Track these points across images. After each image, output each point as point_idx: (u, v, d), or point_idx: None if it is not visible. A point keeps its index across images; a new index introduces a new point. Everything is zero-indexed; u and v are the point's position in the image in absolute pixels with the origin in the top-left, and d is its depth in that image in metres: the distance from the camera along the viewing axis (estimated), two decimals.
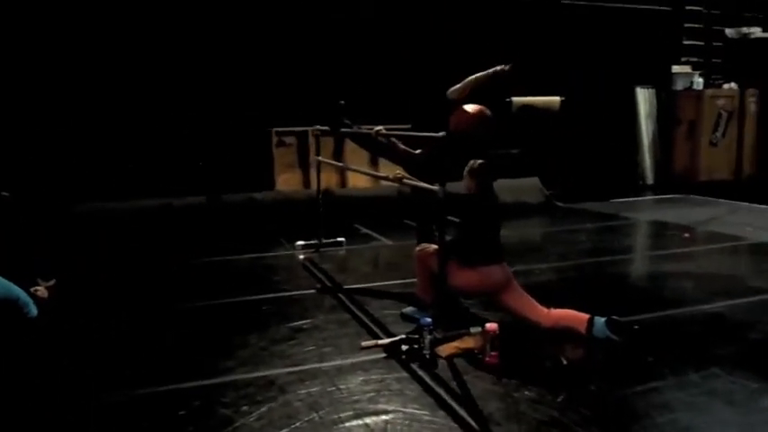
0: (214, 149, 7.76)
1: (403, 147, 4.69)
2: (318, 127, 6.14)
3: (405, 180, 4.10)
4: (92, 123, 7.23)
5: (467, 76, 4.42)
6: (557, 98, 9.45)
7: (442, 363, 3.36)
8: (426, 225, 4.93)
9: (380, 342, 3.59)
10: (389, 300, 4.49)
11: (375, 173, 5.08)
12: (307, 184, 8.42)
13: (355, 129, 5.30)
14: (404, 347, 3.49)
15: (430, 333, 3.42)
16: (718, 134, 9.90)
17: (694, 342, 3.66)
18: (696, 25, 10.36)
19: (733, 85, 10.10)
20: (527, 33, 9.17)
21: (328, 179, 8.51)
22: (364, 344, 3.56)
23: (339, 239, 6.24)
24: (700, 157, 9.97)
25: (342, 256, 5.94)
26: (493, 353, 3.35)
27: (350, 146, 8.61)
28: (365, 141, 5.19)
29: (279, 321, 4.04)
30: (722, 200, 8.70)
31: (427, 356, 3.39)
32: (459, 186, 3.88)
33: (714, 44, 10.54)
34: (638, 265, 5.36)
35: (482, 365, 3.33)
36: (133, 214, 6.74)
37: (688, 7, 10.30)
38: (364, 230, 6.98)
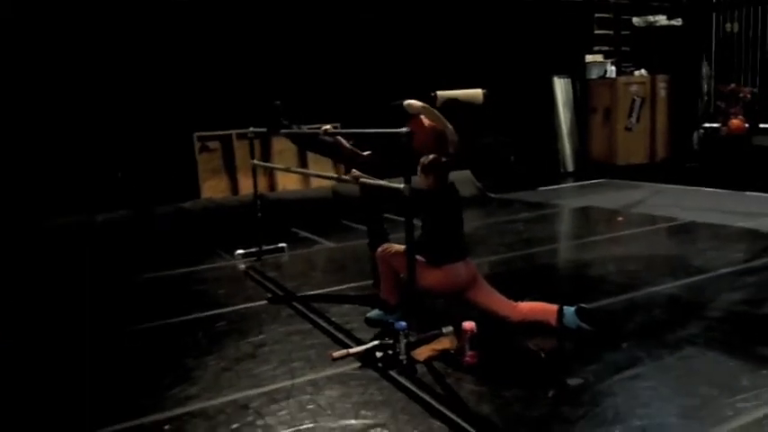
0: (135, 158, 7.28)
1: (349, 146, 4.53)
2: (253, 129, 5.85)
3: (362, 180, 3.93)
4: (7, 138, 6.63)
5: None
6: (479, 90, 9.51)
7: (420, 367, 3.23)
8: (377, 224, 4.82)
9: (352, 351, 3.41)
10: (348, 305, 4.31)
11: (321, 173, 4.86)
12: (234, 189, 8.07)
13: (294, 129, 5.08)
14: (378, 354, 3.34)
15: (405, 337, 3.28)
16: (633, 119, 10.29)
17: (660, 324, 3.70)
18: (606, 15, 10.73)
19: (643, 72, 10.54)
20: (447, 25, 9.20)
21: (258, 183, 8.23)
22: (335, 354, 3.37)
23: (280, 245, 5.97)
24: (616, 143, 10.34)
25: (286, 263, 5.69)
26: (471, 352, 3.25)
27: (277, 147, 8.36)
28: (306, 142, 5.00)
29: (236, 338, 3.78)
30: (641, 182, 9.04)
31: (404, 362, 3.26)
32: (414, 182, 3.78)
33: (623, 33, 10.95)
34: (584, 252, 5.42)
35: (461, 366, 3.23)
36: (54, 232, 6.19)
37: None
38: (303, 234, 6.74)
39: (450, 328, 3.51)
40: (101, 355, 3.71)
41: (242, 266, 5.57)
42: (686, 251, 5.26)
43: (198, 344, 3.73)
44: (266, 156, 8.14)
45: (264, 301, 4.49)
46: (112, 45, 7.08)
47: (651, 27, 10.93)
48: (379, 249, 3.88)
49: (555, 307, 3.66)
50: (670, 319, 3.79)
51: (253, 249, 5.80)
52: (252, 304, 4.43)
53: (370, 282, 4.73)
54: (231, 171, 8.07)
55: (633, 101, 10.27)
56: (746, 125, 9.53)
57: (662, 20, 10.93)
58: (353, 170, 4.03)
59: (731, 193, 7.78)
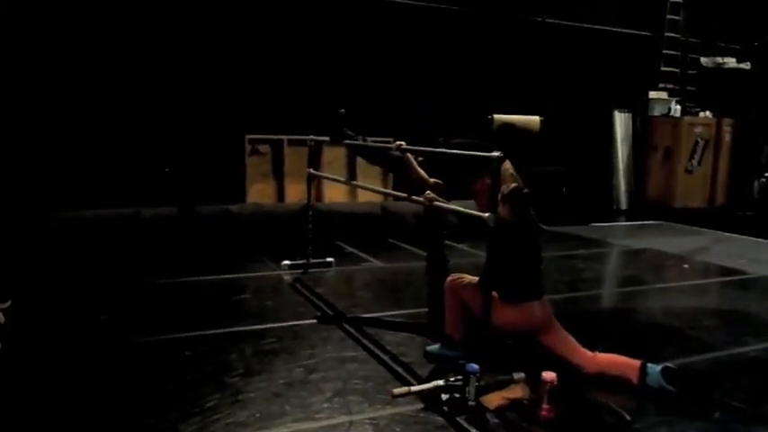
0: (184, 156, 7.12)
1: (419, 169, 4.23)
2: (313, 137, 5.64)
3: (436, 203, 3.66)
4: (56, 128, 6.49)
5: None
6: (536, 117, 9.23)
7: (489, 415, 2.93)
8: (438, 250, 4.53)
9: (414, 388, 3.11)
10: (403, 333, 4.03)
11: (390, 191, 4.50)
12: (280, 196, 7.88)
13: (359, 140, 4.84)
14: (444, 396, 3.04)
15: (477, 380, 2.98)
16: (695, 162, 9.88)
17: (753, 394, 3.34)
18: (673, 52, 10.36)
19: (708, 113, 10.13)
20: (510, 50, 8.95)
21: (302, 191, 8.01)
22: (396, 391, 3.08)
23: (328, 259, 5.73)
24: (675, 184, 9.92)
25: (333, 278, 5.44)
26: (548, 405, 2.93)
27: (327, 157, 8.15)
28: (373, 155, 4.74)
29: (285, 359, 3.52)
30: (699, 228, 8.63)
31: (473, 408, 2.96)
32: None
33: (689, 72, 10.57)
34: (652, 299, 5.07)
35: (536, 419, 2.92)
36: (100, 224, 6.01)
37: (667, 34, 10.28)
38: (349, 249, 6.49)
39: (522, 375, 3.21)
40: (135, 366, 3.47)
41: (287, 278, 5.34)
42: (764, 310, 4.86)
43: (245, 361, 3.48)
44: (316, 165, 7.92)
45: (314, 320, 4.23)
46: (173, 41, 6.96)
47: (719, 68, 10.53)
48: (449, 279, 3.59)
49: (638, 363, 3.33)
50: (762, 387, 3.43)
51: (300, 261, 5.57)
52: (301, 322, 4.17)
53: (425, 310, 4.47)
54: (279, 177, 7.88)
55: (696, 142, 9.85)
56: None
57: (731, 62, 10.53)
58: (428, 192, 3.75)
59: None
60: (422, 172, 4.21)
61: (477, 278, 3.54)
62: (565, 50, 9.40)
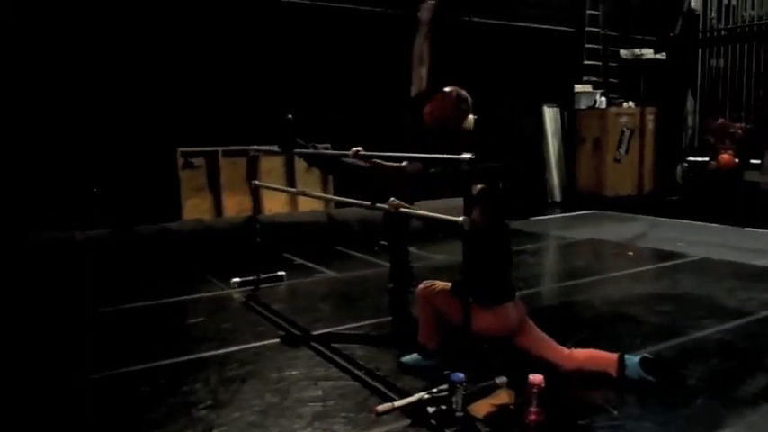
0: (114, 174, 6.70)
1: (386, 164, 4.10)
2: (256, 147, 5.41)
3: (403, 209, 3.54)
4: None
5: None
6: (471, 116, 9.27)
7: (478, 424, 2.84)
8: (402, 257, 4.43)
9: (398, 404, 2.98)
10: (372, 346, 3.89)
11: (351, 200, 4.29)
12: (218, 210, 7.57)
13: (311, 148, 4.66)
14: (430, 409, 2.92)
15: (464, 389, 2.88)
16: (622, 151, 10.19)
17: (726, 376, 3.40)
18: (595, 46, 10.66)
19: (631, 103, 10.48)
20: (439, 51, 8.94)
21: (240, 204, 7.75)
22: (380, 408, 2.94)
23: (279, 273, 5.52)
24: (605, 174, 10.20)
25: (287, 293, 5.23)
26: (536, 409, 2.86)
27: (265, 167, 7.89)
28: (329, 164, 4.57)
29: (255, 384, 3.31)
30: (633, 215, 8.90)
31: (462, 418, 2.86)
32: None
33: (610, 64, 10.90)
34: (607, 289, 5.12)
35: (524, 424, 2.84)
36: (30, 249, 5.57)
37: (587, 28, 10.57)
38: (298, 261, 6.28)
39: (505, 379, 3.15)
40: (88, 406, 3.18)
41: (238, 296, 5.09)
42: (714, 291, 5.00)
43: (212, 391, 3.24)
44: (253, 176, 7.65)
45: (277, 339, 4.02)
46: (90, 52, 6.53)
47: (638, 60, 10.92)
48: (421, 286, 3.48)
49: (615, 356, 3.32)
50: (733, 369, 3.49)
51: (249, 277, 5.33)
52: (263, 342, 3.95)
53: (389, 319, 4.35)
54: (215, 190, 7.57)
55: (623, 132, 10.17)
56: (737, 160, 9.50)
57: (648, 53, 10.94)
58: (393, 199, 3.62)
59: (732, 229, 7.65)
60: (388, 165, 4.08)
61: (449, 284, 3.45)
62: (493, 49, 9.48)
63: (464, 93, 4.11)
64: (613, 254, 6.54)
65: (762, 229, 7.53)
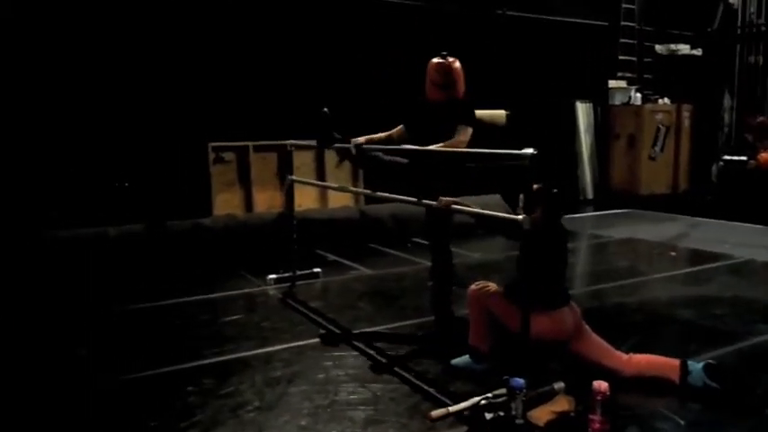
0: (146, 169, 6.66)
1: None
2: (293, 142, 5.32)
3: (454, 206, 3.41)
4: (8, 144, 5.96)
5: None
6: (502, 111, 9.10)
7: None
8: (444, 255, 4.29)
9: (453, 409, 2.86)
10: (417, 346, 3.79)
11: (398, 196, 4.16)
12: (248, 205, 7.50)
13: (347, 143, 4.53)
14: (488, 415, 2.80)
15: (524, 396, 2.76)
16: (657, 148, 9.97)
17: None
18: (629, 41, 10.44)
19: (666, 100, 10.25)
20: (472, 44, 8.78)
21: (271, 199, 7.68)
22: (434, 414, 2.82)
23: (315, 270, 5.43)
24: (639, 172, 9.98)
25: (324, 291, 5.13)
26: (601, 418, 2.73)
27: (296, 162, 7.77)
28: (367, 160, 4.44)
29: (302, 386, 3.21)
30: (670, 214, 8.69)
31: (521, 426, 2.73)
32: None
33: (645, 60, 10.67)
34: (656, 291, 4.96)
35: None
36: (63, 245, 5.52)
37: (623, 23, 10.34)
38: (331, 257, 6.19)
39: (563, 385, 3.01)
40: (131, 407, 3.10)
41: (274, 293, 5.01)
42: (765, 294, 4.83)
43: (258, 392, 3.15)
44: (284, 171, 7.58)
45: (318, 339, 3.92)
46: (125, 49, 6.48)
47: (674, 55, 10.67)
48: (473, 288, 3.35)
49: (677, 362, 3.18)
50: None
51: (285, 274, 5.24)
52: (305, 342, 3.85)
53: (432, 318, 4.23)
54: (246, 185, 7.50)
55: (658, 129, 9.94)
56: None
57: (684, 49, 10.69)
58: (443, 198, 3.49)
59: None
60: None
61: (499, 286, 3.32)
62: (526, 43, 9.31)
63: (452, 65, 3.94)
64: (655, 254, 6.36)
65: None
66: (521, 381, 2.76)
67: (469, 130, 3.89)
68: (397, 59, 7.98)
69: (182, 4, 6.77)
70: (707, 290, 4.98)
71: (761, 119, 9.79)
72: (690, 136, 10.28)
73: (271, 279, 5.20)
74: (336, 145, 4.52)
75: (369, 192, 4.31)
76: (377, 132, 4.28)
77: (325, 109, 4.56)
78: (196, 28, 6.83)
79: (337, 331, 4.08)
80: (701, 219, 8.22)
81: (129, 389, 3.25)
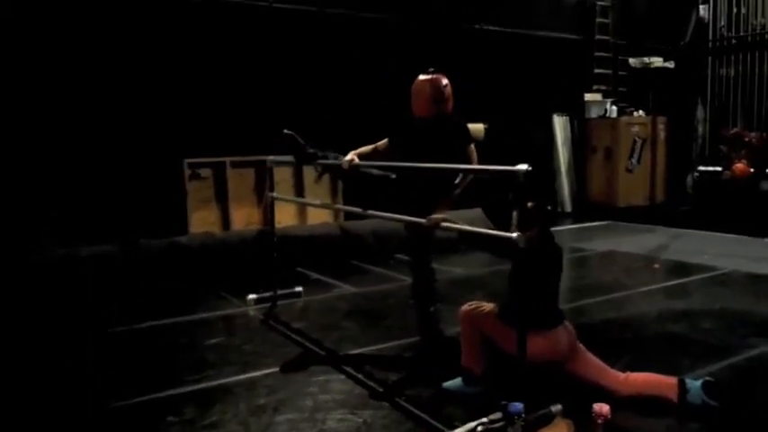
0: (119, 186, 6.45)
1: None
2: (273, 158, 5.19)
3: (443, 225, 3.31)
4: None
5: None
6: (481, 125, 9.09)
7: None
8: (427, 272, 4.19)
9: None
10: (406, 369, 3.67)
11: (386, 214, 4.01)
12: (226, 222, 7.33)
13: (331, 157, 4.41)
14: None
15: (523, 422, 2.65)
16: (634, 161, 10.03)
17: None
18: (604, 54, 10.52)
19: (641, 112, 10.33)
20: (449, 59, 8.75)
21: (248, 216, 7.52)
22: None
23: (296, 289, 5.28)
24: (617, 184, 10.02)
25: (307, 310, 4.99)
26: None
27: (277, 176, 7.65)
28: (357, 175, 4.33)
29: (290, 416, 3.06)
30: (646, 225, 8.73)
31: None
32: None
33: (620, 73, 10.76)
34: (643, 304, 4.90)
35: None
36: (32, 266, 5.31)
37: (597, 37, 10.42)
38: (313, 275, 6.05)
39: (560, 407, 2.91)
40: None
41: (255, 313, 4.86)
42: (753, 306, 4.80)
43: (243, 422, 3.00)
44: (261, 187, 7.45)
45: (305, 362, 3.78)
46: (95, 60, 6.29)
47: (647, 68, 10.78)
48: (465, 308, 3.25)
49: (674, 380, 3.11)
50: None
51: (266, 294, 5.09)
52: (290, 367, 3.71)
53: (419, 338, 4.11)
54: (223, 202, 7.33)
55: (635, 141, 10.01)
56: (752, 170, 9.34)
57: (658, 61, 10.81)
58: (433, 216, 3.40)
59: (752, 240, 7.48)
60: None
61: (492, 305, 3.23)
62: (503, 57, 9.32)
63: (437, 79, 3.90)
64: (638, 267, 6.33)
65: None
66: (519, 405, 2.66)
67: (473, 147, 3.97)
68: (374, 73, 7.93)
69: (156, 18, 6.62)
70: (694, 303, 4.95)
71: (735, 130, 9.95)
72: (665, 148, 10.37)
73: (251, 299, 5.05)
74: (323, 162, 4.40)
75: (358, 210, 4.17)
76: (355, 145, 4.21)
77: (286, 130, 4.47)
78: (171, 41, 6.68)
79: (324, 354, 3.94)
80: (679, 230, 8.26)
81: (105, 420, 3.08)
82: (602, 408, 2.64)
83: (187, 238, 6.34)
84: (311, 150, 4.49)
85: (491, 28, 9.35)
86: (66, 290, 5.22)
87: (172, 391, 3.37)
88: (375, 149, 4.07)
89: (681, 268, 6.17)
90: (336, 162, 4.17)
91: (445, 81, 3.85)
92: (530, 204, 3.02)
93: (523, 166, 2.78)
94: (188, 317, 4.78)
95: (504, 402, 2.70)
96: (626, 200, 10.03)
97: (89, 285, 5.36)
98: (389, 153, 4.05)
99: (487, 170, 3.10)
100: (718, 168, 9.97)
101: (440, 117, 3.84)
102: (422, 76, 3.88)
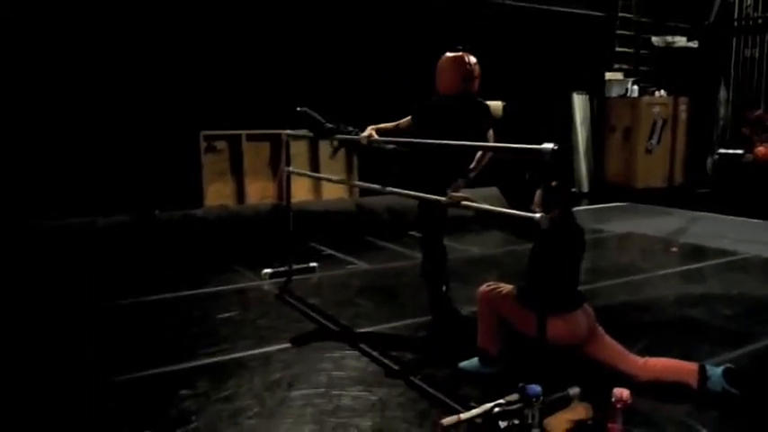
0: (136, 157, 6.43)
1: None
2: (289, 132, 5.13)
3: (464, 203, 3.25)
4: None
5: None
6: (499, 102, 8.95)
7: None
8: (437, 252, 4.13)
9: (464, 416, 2.72)
10: (421, 347, 3.65)
11: (410, 192, 3.97)
12: (240, 196, 7.30)
13: (352, 132, 4.36)
14: (502, 424, 2.66)
15: (541, 404, 2.62)
16: (654, 141, 9.87)
17: None
18: (626, 32, 10.30)
19: (663, 92, 10.14)
20: (470, 33, 8.60)
21: (263, 190, 7.49)
22: (446, 422, 2.68)
23: (311, 265, 5.27)
24: (636, 165, 9.88)
25: (322, 286, 4.97)
26: (620, 426, 2.60)
27: (293, 151, 7.57)
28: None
29: (304, 391, 3.06)
30: (665, 207, 8.61)
31: None
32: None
33: (642, 52, 10.54)
34: (661, 288, 4.83)
35: None
36: (50, 235, 5.32)
37: (620, 14, 10.20)
38: (327, 251, 6.02)
39: (578, 390, 2.87)
40: (121, 413, 2.93)
41: (269, 288, 4.85)
42: None
43: (257, 396, 2.99)
44: (277, 160, 7.40)
45: (320, 338, 3.76)
46: (113, 37, 6.24)
47: (670, 48, 10.55)
48: (483, 289, 3.20)
49: (694, 366, 3.06)
50: None
51: (281, 268, 5.07)
52: (305, 341, 3.70)
53: (431, 318, 4.08)
54: (238, 175, 7.30)
55: (655, 122, 9.84)
56: None
57: (681, 41, 10.57)
58: (453, 193, 3.35)
59: None
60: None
61: (511, 287, 3.18)
62: (523, 34, 9.14)
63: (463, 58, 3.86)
64: (657, 249, 6.25)
65: None
66: (537, 388, 2.61)
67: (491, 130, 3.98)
68: (392, 49, 7.82)
69: None
70: (713, 287, 4.87)
71: (758, 113, 9.74)
72: (686, 129, 10.18)
73: (266, 273, 5.03)
74: (342, 136, 4.35)
75: (376, 186, 4.11)
76: (371, 121, 4.17)
77: (299, 108, 4.43)
78: (188, 15, 6.61)
79: (339, 330, 3.92)
80: (698, 213, 8.14)
81: (119, 392, 3.08)
82: (623, 393, 2.60)
83: (202, 211, 6.33)
84: (329, 125, 4.46)
85: (512, 3, 9.16)
86: (80, 260, 5.24)
87: (186, 365, 3.37)
88: (397, 126, 4.01)
89: (700, 252, 6.07)
90: (355, 137, 4.11)
91: (474, 59, 3.79)
92: (554, 184, 2.95)
93: (549, 145, 2.70)
94: (202, 290, 4.77)
95: (521, 384, 2.66)
96: (644, 181, 9.89)
97: (103, 256, 5.38)
98: (412, 131, 3.99)
99: (514, 149, 3.02)
100: (740, 151, 9.78)
101: (467, 96, 3.78)
102: (449, 53, 3.80)
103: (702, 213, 8.12)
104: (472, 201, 3.26)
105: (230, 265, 5.41)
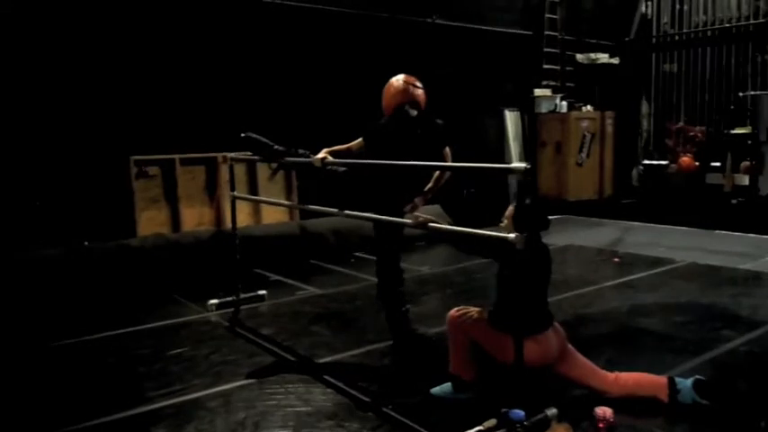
0: (61, 185, 6.04)
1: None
2: (232, 155, 4.93)
3: (431, 225, 3.17)
4: None
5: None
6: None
7: None
8: (394, 274, 4.05)
9: None
10: (387, 374, 3.53)
11: (370, 215, 3.82)
12: (176, 223, 6.97)
13: (303, 155, 4.21)
14: None
15: (523, 428, 2.55)
16: (583, 155, 10.15)
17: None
18: (553, 50, 10.60)
19: (589, 107, 10.47)
20: (402, 52, 8.63)
21: (200, 216, 7.19)
22: None
23: (260, 293, 5.06)
24: (567, 178, 10.12)
25: (273, 315, 4.76)
26: None
27: (225, 176, 7.31)
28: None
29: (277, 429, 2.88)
30: (597, 219, 8.86)
31: None
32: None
33: (567, 69, 10.87)
34: (612, 299, 4.87)
35: None
36: None
37: (546, 32, 10.50)
38: (275, 277, 5.82)
39: (555, 411, 2.82)
40: None
41: (217, 319, 4.61)
42: (718, 299, 4.86)
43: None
44: (212, 185, 7.13)
45: (281, 372, 3.57)
46: (34, 53, 5.86)
47: (594, 64, 10.93)
48: (453, 314, 3.11)
49: (664, 380, 3.07)
50: None
51: (228, 298, 4.83)
52: (267, 376, 3.50)
53: (393, 342, 3.97)
54: (172, 202, 6.97)
55: (584, 136, 10.12)
56: (697, 163, 9.60)
57: (604, 57, 10.98)
58: (419, 215, 3.26)
59: (702, 233, 7.67)
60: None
61: (480, 310, 3.10)
62: (455, 52, 9.26)
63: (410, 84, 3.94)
64: (599, 260, 6.38)
65: (733, 231, 7.57)
66: (521, 413, 2.56)
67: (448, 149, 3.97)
68: (326, 66, 7.72)
69: (102, 8, 6.21)
70: (661, 296, 4.98)
71: (680, 125, 10.19)
72: (613, 142, 10.54)
73: (212, 304, 4.79)
74: (293, 159, 4.21)
75: (333, 210, 3.99)
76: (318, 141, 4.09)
77: (243, 134, 4.30)
78: (117, 30, 6.29)
79: (299, 363, 3.74)
80: (629, 222, 8.40)
81: None
82: (606, 412, 2.57)
83: (137, 241, 5.99)
84: (278, 147, 4.30)
85: (443, 22, 9.27)
86: (4, 299, 4.84)
87: (136, 410, 3.12)
88: (349, 149, 3.94)
89: (641, 261, 6.23)
90: (308, 160, 3.98)
91: (418, 82, 3.91)
92: (527, 202, 2.92)
93: (522, 164, 2.66)
94: (145, 325, 4.48)
95: (504, 410, 2.59)
96: (576, 194, 10.14)
97: (31, 293, 4.99)
98: (364, 152, 3.93)
99: (485, 168, 2.97)
100: (663, 162, 10.21)
101: (416, 117, 3.78)
102: (402, 77, 3.84)
103: (633, 223, 8.39)
104: (438, 222, 3.18)
105: (172, 297, 5.14)
